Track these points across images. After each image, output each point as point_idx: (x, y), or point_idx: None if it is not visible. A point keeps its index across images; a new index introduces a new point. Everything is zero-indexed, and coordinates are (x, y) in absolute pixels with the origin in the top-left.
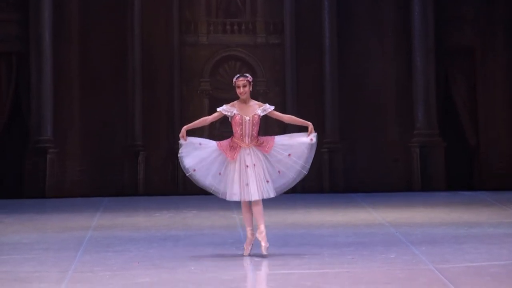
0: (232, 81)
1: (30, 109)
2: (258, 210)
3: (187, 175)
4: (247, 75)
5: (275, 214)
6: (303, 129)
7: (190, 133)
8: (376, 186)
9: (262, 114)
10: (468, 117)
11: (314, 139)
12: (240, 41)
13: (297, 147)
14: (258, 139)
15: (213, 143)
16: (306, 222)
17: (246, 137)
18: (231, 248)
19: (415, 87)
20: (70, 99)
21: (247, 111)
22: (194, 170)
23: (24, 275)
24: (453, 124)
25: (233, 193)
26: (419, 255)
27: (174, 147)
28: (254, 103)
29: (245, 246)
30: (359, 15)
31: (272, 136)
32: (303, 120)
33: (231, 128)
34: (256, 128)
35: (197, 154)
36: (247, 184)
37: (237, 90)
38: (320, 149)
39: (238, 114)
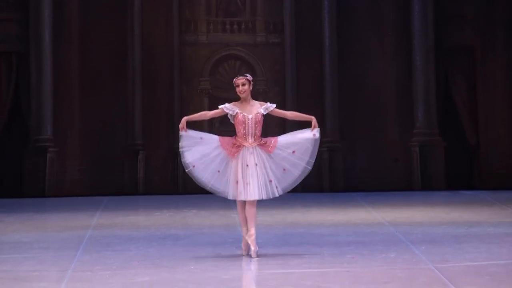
0: (232, 81)
1: (30, 109)
2: (251, 212)
3: (186, 170)
4: (247, 74)
5: (275, 213)
6: (304, 126)
7: (190, 127)
8: (376, 186)
9: (264, 113)
10: (468, 117)
11: (317, 134)
12: (240, 40)
13: (301, 143)
14: (261, 139)
15: (215, 139)
16: (306, 221)
17: (249, 136)
18: (231, 248)
19: (415, 87)
20: (70, 99)
21: (250, 110)
22: (194, 166)
23: (24, 274)
24: (453, 124)
25: (232, 192)
26: (419, 254)
27: (174, 147)
28: (255, 102)
29: (242, 246)
30: (359, 15)
31: (275, 136)
32: (306, 115)
33: (233, 128)
34: (259, 127)
35: (198, 150)
36: (248, 183)
37: (237, 89)
38: (320, 149)
39: (240, 112)
